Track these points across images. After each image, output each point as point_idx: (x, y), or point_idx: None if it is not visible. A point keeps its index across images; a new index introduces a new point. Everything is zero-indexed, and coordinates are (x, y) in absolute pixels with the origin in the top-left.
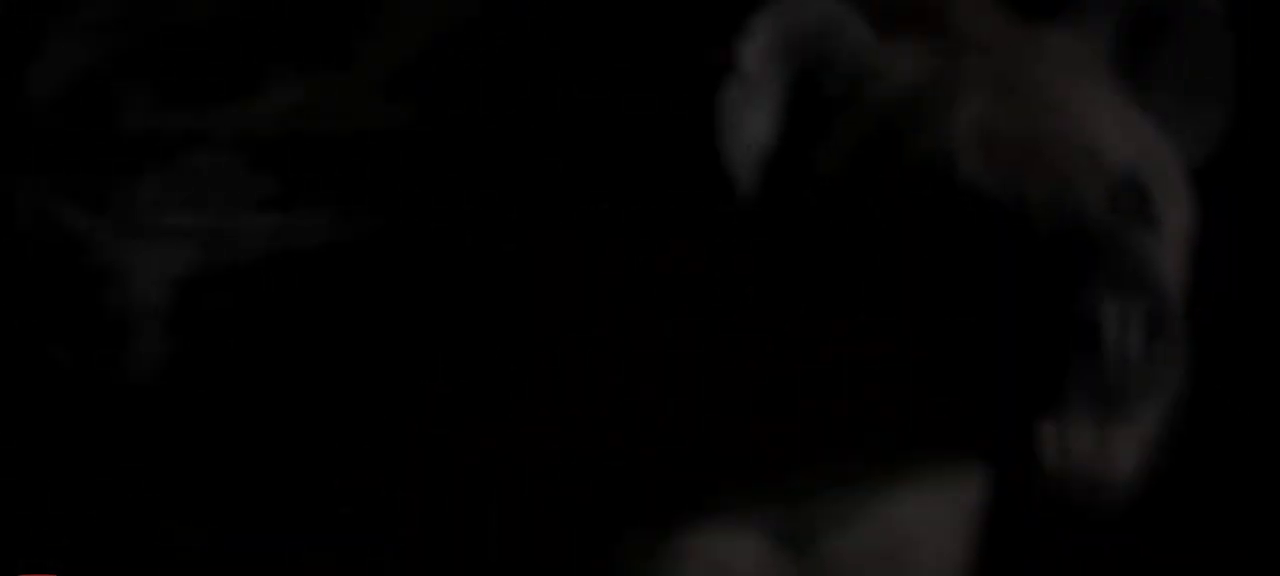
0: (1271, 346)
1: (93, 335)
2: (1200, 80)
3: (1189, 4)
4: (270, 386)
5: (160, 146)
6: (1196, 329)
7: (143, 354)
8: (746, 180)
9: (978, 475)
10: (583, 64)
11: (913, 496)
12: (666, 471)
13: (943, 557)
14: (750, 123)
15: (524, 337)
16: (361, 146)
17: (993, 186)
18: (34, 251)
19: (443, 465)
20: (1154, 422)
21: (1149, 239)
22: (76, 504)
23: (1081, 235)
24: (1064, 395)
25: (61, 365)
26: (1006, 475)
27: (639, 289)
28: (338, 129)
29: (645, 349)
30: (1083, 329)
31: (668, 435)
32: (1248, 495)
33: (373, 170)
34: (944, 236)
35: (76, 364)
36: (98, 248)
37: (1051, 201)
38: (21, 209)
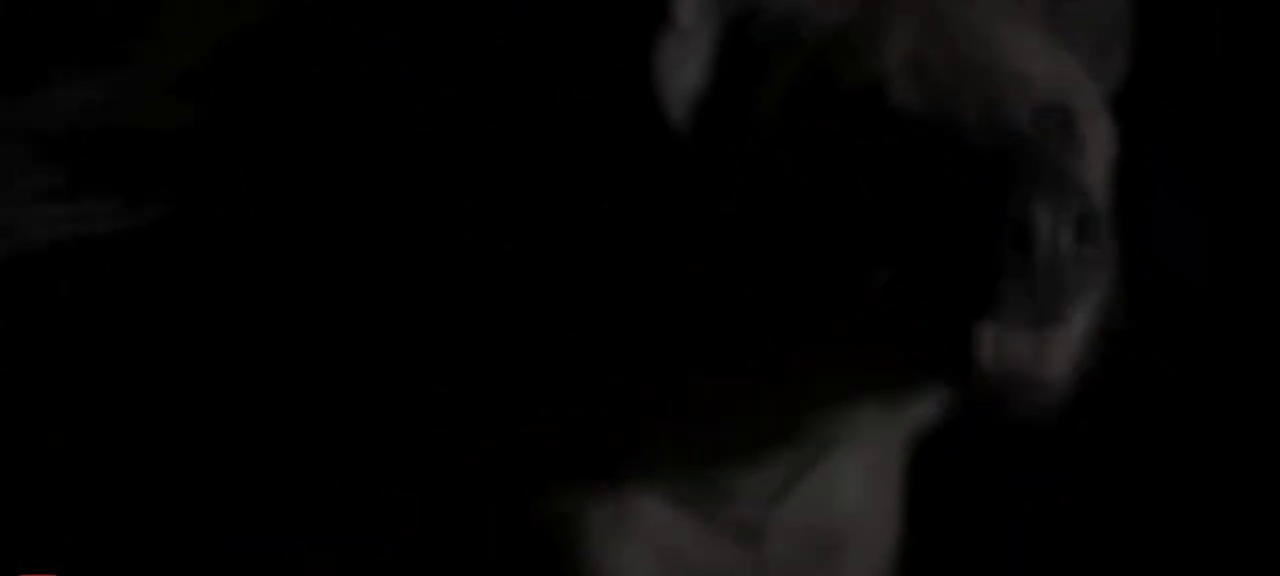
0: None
1: None
2: (1106, 29)
3: None
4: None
5: None
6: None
7: None
8: (683, 126)
9: (905, 464)
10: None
11: (846, 483)
12: (611, 454)
13: (875, 541)
14: (685, 72)
15: (522, 337)
16: (148, 142)
17: (924, 109)
18: None
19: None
20: (1086, 326)
21: (1074, 155)
22: (77, 503)
23: (1012, 146)
24: (999, 297)
25: None
26: (945, 384)
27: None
28: (125, 124)
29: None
30: (1015, 228)
31: (612, 418)
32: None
33: (158, 165)
34: (879, 162)
35: None
36: None
37: (981, 120)
38: None
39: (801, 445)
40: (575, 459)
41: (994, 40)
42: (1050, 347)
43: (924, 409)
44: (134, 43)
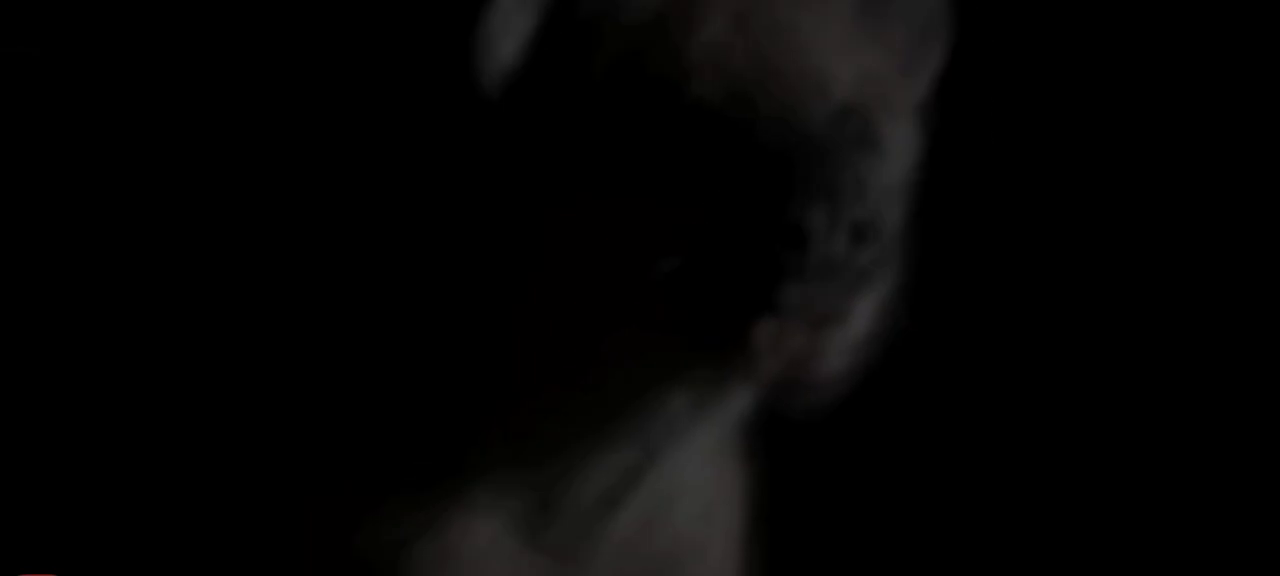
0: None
1: None
2: (924, 23)
3: None
4: None
5: None
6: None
7: None
8: (493, 93)
9: (755, 475)
10: None
11: (681, 504)
12: (437, 476)
13: (717, 566)
14: (504, 43)
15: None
16: None
17: (722, 105)
18: None
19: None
20: (865, 325)
21: (868, 158)
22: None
23: (799, 148)
24: (776, 295)
25: None
26: (729, 376)
27: None
28: None
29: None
30: (792, 231)
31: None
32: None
33: None
34: (677, 153)
35: None
36: None
37: (776, 118)
38: None
39: (619, 446)
40: (402, 482)
41: (799, 36)
42: (827, 344)
43: (738, 402)
44: None
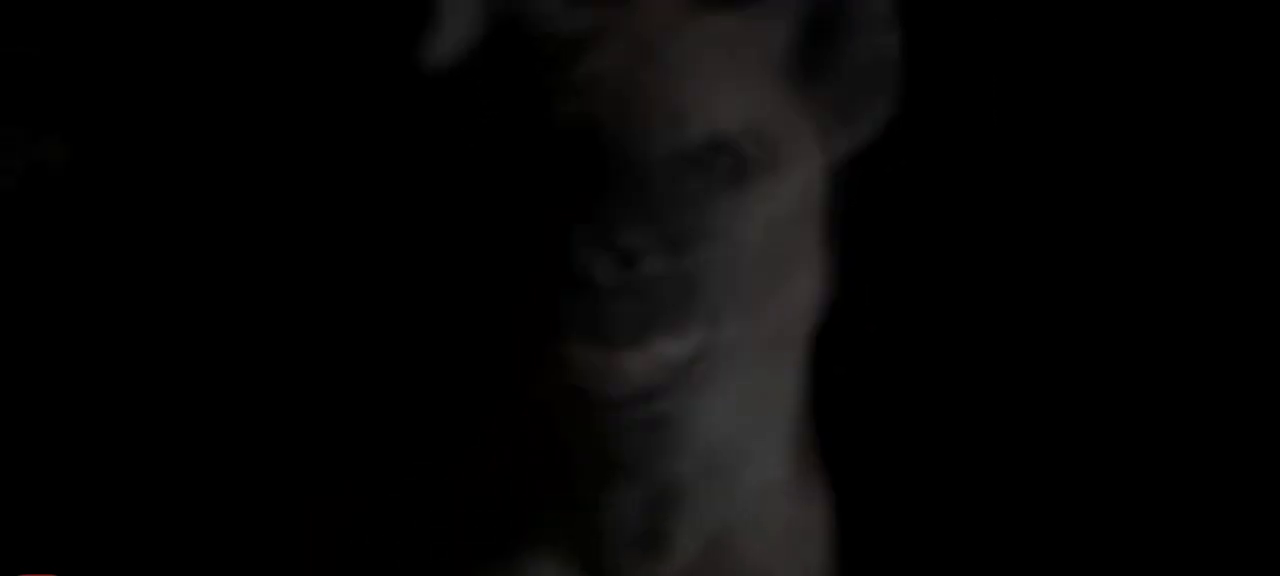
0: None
1: None
2: (869, 74)
3: (859, 5)
4: None
5: None
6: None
7: None
8: (431, 107)
9: (826, 502)
10: None
11: (751, 533)
12: (502, 512)
13: None
14: (443, 43)
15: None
16: None
17: (577, 126)
18: None
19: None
20: (673, 352)
21: (718, 192)
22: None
23: (621, 169)
24: (566, 314)
25: None
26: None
27: None
28: None
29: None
30: (565, 254)
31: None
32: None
33: None
34: (542, 170)
35: None
36: None
37: (612, 146)
38: None
39: (621, 472)
40: (471, 520)
41: (686, 72)
42: (622, 363)
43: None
44: None
